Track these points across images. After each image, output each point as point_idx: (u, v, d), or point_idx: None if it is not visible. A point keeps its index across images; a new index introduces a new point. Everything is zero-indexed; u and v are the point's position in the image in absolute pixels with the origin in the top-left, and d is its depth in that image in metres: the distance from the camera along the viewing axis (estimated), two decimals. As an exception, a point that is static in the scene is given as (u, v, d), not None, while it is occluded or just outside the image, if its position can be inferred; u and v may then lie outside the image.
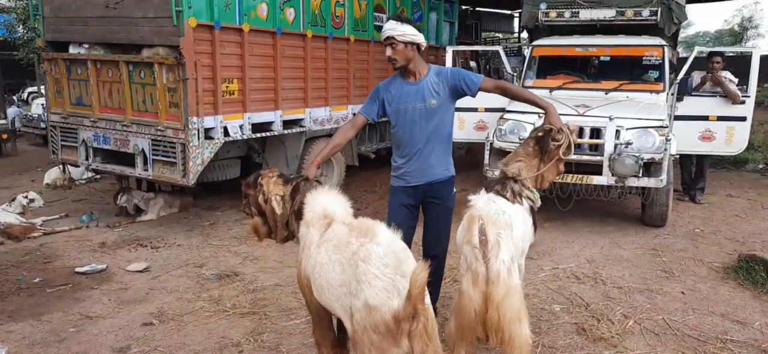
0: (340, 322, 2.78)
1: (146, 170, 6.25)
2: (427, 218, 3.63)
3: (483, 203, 2.83)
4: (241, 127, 6.39)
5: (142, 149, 6.21)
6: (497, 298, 2.60)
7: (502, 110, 6.90)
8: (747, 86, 6.55)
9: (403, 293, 2.19)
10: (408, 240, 3.48)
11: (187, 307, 4.39)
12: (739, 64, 8.15)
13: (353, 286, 2.30)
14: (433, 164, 3.42)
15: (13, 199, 6.51)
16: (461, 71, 3.42)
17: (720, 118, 6.66)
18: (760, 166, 9.31)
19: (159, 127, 5.99)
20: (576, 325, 3.87)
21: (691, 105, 6.69)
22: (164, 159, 6.07)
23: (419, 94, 3.33)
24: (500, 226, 2.68)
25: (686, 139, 6.55)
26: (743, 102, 6.50)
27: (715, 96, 6.66)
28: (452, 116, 3.47)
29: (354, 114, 7.98)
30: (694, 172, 7.26)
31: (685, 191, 7.38)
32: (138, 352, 3.72)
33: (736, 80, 6.75)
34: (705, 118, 6.70)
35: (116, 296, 4.62)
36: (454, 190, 3.58)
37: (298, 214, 2.90)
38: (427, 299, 2.27)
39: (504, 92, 3.57)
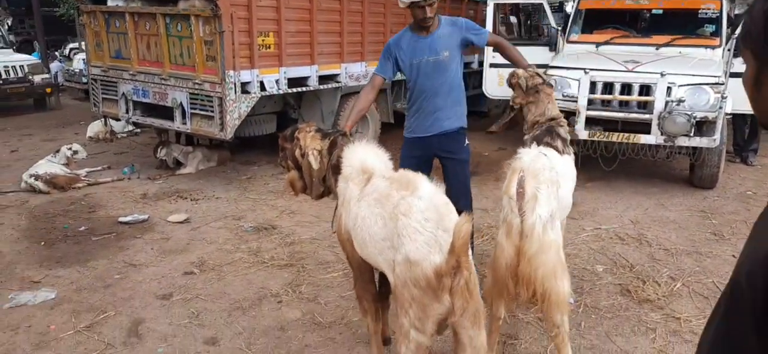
0: (381, 275, 2.77)
1: (185, 124, 6.30)
2: (444, 174, 3.62)
3: (531, 157, 2.71)
4: (277, 81, 6.35)
5: (181, 103, 6.25)
6: (529, 252, 2.50)
7: (545, 66, 6.65)
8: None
9: (444, 248, 2.13)
10: None
11: (226, 257, 4.45)
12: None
13: (395, 240, 2.27)
14: (440, 116, 3.48)
15: (58, 151, 6.68)
16: (471, 23, 3.54)
17: (779, 75, 6.25)
18: (819, 128, 8.78)
19: (196, 81, 6.00)
20: (620, 286, 3.76)
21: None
22: (202, 113, 6.10)
23: (432, 47, 3.40)
24: (542, 181, 2.57)
25: (742, 98, 6.17)
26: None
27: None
28: (461, 67, 3.54)
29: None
30: (747, 133, 6.90)
31: (737, 153, 7.04)
32: (180, 299, 3.80)
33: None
34: (763, 74, 6.29)
35: (158, 246, 4.71)
36: (467, 141, 3.61)
37: (336, 169, 2.84)
38: (470, 254, 2.21)
39: (500, 48, 3.66)
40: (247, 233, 4.96)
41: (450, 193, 3.57)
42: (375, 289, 2.81)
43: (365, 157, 2.71)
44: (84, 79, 12.40)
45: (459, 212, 2.94)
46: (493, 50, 3.75)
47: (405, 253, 2.19)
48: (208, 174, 6.88)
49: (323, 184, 2.98)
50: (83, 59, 12.37)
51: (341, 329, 3.41)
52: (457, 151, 3.55)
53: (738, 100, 6.10)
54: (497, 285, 2.67)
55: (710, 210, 5.26)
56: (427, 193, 2.33)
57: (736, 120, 6.97)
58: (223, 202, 5.83)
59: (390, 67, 3.50)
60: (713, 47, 6.32)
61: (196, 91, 6.06)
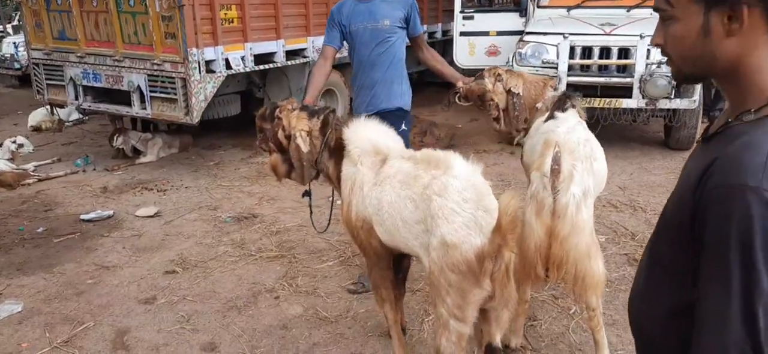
0: (396, 261, 2.65)
1: (144, 108, 5.82)
2: None
3: (566, 129, 2.53)
4: (242, 58, 5.95)
5: (138, 85, 5.76)
6: (562, 233, 2.34)
7: (520, 33, 6.53)
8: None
9: (486, 230, 1.98)
10: None
11: (209, 252, 4.13)
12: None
13: (428, 223, 2.12)
14: (377, 93, 3.28)
15: (0, 145, 6.06)
16: (417, 7, 3.33)
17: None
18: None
19: (155, 61, 5.53)
20: (626, 256, 3.71)
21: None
22: (163, 96, 5.64)
23: (371, 12, 3.21)
24: (578, 157, 2.41)
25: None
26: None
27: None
28: (404, 43, 3.34)
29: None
30: (714, 93, 7.04)
31: (705, 112, 7.17)
32: (165, 302, 3.48)
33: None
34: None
35: (130, 244, 4.33)
36: (403, 126, 3.27)
37: (334, 152, 2.63)
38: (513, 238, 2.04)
39: (424, 54, 3.40)
40: (226, 224, 4.63)
41: None
42: (393, 275, 2.64)
43: (376, 137, 2.52)
44: (17, 65, 11.41)
45: None
46: (417, 55, 3.46)
47: (440, 236, 2.05)
48: (170, 161, 6.42)
49: (314, 167, 2.72)
50: (14, 43, 11.37)
51: (349, 323, 3.20)
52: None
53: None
54: (525, 267, 2.51)
55: (692, 171, 5.32)
56: (463, 171, 2.16)
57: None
58: (194, 191, 5.44)
59: (337, 34, 3.30)
60: (682, 8, 6.35)
61: (155, 73, 5.58)
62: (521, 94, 3.04)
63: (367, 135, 2.52)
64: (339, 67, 7.43)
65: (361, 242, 2.54)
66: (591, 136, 2.67)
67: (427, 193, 2.14)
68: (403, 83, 3.36)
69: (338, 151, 2.61)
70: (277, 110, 2.74)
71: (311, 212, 3.04)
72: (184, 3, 5.11)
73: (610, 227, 4.17)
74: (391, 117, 3.18)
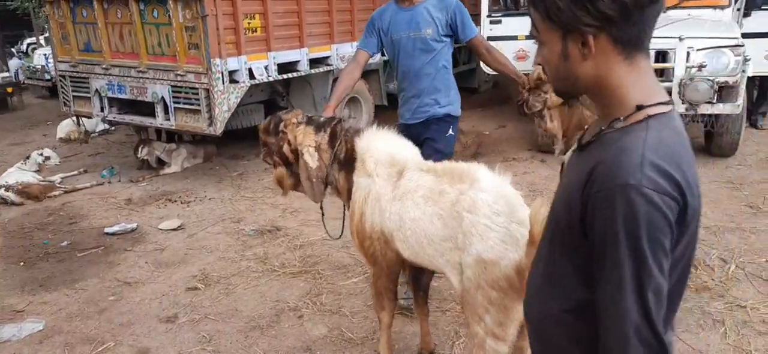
0: (415, 278, 2.70)
1: (168, 120, 5.78)
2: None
3: None
4: (266, 68, 5.87)
5: (162, 97, 5.72)
6: None
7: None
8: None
9: (521, 242, 1.91)
10: None
11: (232, 267, 4.03)
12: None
13: (460, 240, 2.03)
14: (425, 102, 3.16)
15: (28, 157, 6.09)
16: (464, 10, 3.09)
17: (790, 34, 6.05)
18: (814, 85, 8.68)
19: (179, 72, 5.48)
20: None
21: (758, 20, 6.06)
22: (187, 107, 5.60)
23: (413, 21, 3.07)
24: None
25: (755, 59, 5.96)
26: (818, 14, 5.88)
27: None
28: (449, 51, 3.18)
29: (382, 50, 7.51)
30: (756, 96, 6.71)
31: (746, 116, 6.84)
32: (187, 320, 3.39)
33: (811, -10, 6.09)
34: (773, 34, 6.09)
35: (153, 258, 4.26)
36: (451, 131, 3.20)
37: (344, 163, 2.53)
38: None
39: (485, 53, 3.13)
40: (249, 237, 4.54)
41: None
42: (396, 286, 2.61)
43: (392, 148, 2.45)
44: (47, 76, 11.62)
45: None
46: (479, 59, 3.28)
47: (476, 254, 1.98)
48: (194, 172, 6.38)
49: (325, 182, 2.61)
50: (45, 54, 11.57)
51: (375, 345, 3.04)
52: (437, 139, 3.16)
53: (752, 62, 5.88)
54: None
55: (737, 180, 5.03)
56: (490, 184, 2.09)
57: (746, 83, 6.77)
58: (218, 203, 5.37)
59: (374, 41, 3.18)
60: (722, 7, 6.06)
61: (179, 84, 5.54)
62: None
63: (383, 146, 2.44)
64: (365, 74, 7.34)
65: (373, 253, 2.45)
66: None
67: (456, 210, 2.06)
68: (451, 91, 3.21)
69: (349, 162, 2.52)
70: (282, 124, 2.63)
71: (322, 214, 2.90)
72: (208, 13, 5.05)
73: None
74: (440, 123, 3.18)
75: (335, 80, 6.78)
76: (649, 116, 1.01)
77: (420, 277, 2.73)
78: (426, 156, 3.15)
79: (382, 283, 2.55)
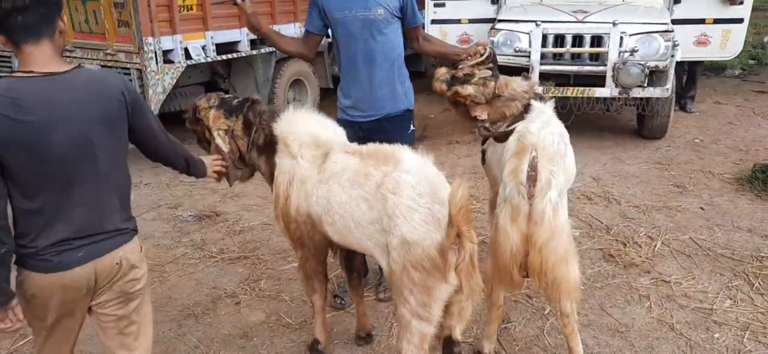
0: (347, 261, 2.69)
1: (98, 101, 5.47)
2: None
3: (538, 127, 2.37)
4: (203, 47, 5.65)
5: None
6: (540, 240, 2.20)
7: (492, 20, 6.38)
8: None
9: (443, 223, 1.94)
10: None
11: (166, 255, 3.89)
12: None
13: (385, 222, 2.05)
14: (380, 96, 2.86)
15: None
16: None
17: (716, 21, 6.34)
18: (737, 71, 9.20)
19: (108, 51, 5.21)
20: (602, 251, 3.60)
21: (686, 8, 6.32)
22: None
23: None
24: (555, 160, 2.25)
25: (681, 45, 6.23)
26: (742, 2, 6.18)
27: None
28: (401, 36, 2.90)
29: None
30: (685, 80, 7.02)
31: (676, 100, 7.16)
32: (116, 312, 3.23)
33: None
34: (701, 20, 6.37)
35: (81, 247, 4.04)
36: (412, 126, 3.00)
37: (264, 148, 2.51)
38: (471, 225, 1.97)
39: (426, 45, 2.98)
40: (187, 223, 4.38)
41: None
42: (326, 268, 2.64)
43: (315, 129, 2.42)
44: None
45: None
46: (414, 47, 3.02)
47: (401, 235, 2.00)
48: (130, 157, 6.07)
49: (243, 165, 2.61)
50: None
51: (313, 329, 3.00)
52: (400, 140, 2.74)
53: (681, 48, 6.14)
54: (500, 273, 2.36)
55: (665, 161, 5.26)
56: (413, 165, 2.11)
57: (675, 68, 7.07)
58: (154, 188, 5.16)
59: (315, 19, 2.86)
60: (654, -6, 6.28)
61: (108, 63, 5.26)
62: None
63: (306, 127, 2.42)
64: (307, 56, 7.20)
65: (300, 236, 2.44)
66: (563, 131, 2.52)
67: (381, 193, 2.07)
68: (406, 81, 2.95)
69: (269, 146, 2.49)
70: (198, 110, 2.59)
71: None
72: (138, -12, 4.80)
73: (584, 220, 4.06)
74: (399, 120, 2.94)
75: (278, 62, 6.65)
76: None
77: (352, 259, 2.71)
78: None
79: (311, 265, 2.53)
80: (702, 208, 4.17)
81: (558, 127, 2.48)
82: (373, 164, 2.16)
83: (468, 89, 2.73)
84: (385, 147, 2.25)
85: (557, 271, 2.25)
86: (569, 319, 2.38)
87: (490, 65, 2.78)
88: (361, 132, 2.88)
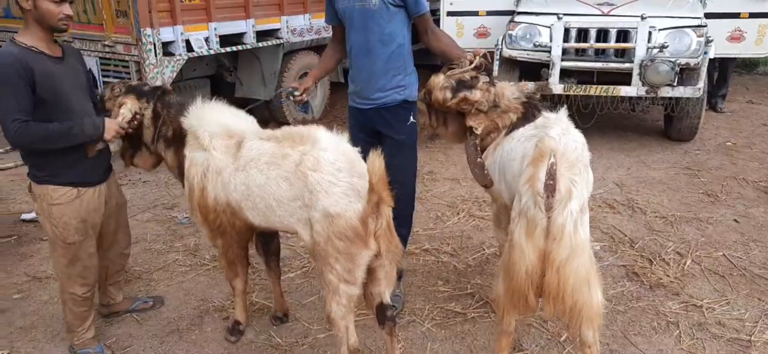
0: (265, 243, 2.83)
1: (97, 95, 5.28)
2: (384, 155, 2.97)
3: (559, 132, 2.08)
4: (206, 39, 5.41)
5: (90, 69, 5.20)
6: (559, 258, 1.95)
7: (511, 13, 6.03)
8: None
9: (363, 193, 2.13)
10: None
11: (157, 260, 3.67)
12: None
13: (307, 198, 2.17)
14: (375, 85, 2.77)
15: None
16: None
17: (752, 15, 5.91)
18: (771, 68, 8.72)
19: (107, 42, 5.00)
20: (625, 269, 3.28)
21: (720, 1, 5.91)
22: (116, 80, 5.10)
23: None
24: (577, 169, 1.97)
25: (716, 41, 5.82)
26: (781, -6, 5.74)
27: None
28: (405, 26, 2.75)
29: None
30: (716, 78, 6.60)
31: (706, 99, 6.74)
32: (97, 323, 3.01)
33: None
34: (735, 15, 5.94)
35: (70, 250, 3.84)
36: (412, 118, 2.83)
37: (173, 141, 2.58)
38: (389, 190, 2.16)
39: (430, 38, 2.78)
40: (181, 226, 4.16)
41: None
42: (247, 252, 2.74)
43: (227, 119, 2.49)
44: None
45: (399, 208, 2.70)
46: (421, 40, 2.85)
47: (323, 208, 2.13)
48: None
49: (151, 154, 2.77)
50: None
51: (304, 350, 2.76)
52: (397, 130, 2.80)
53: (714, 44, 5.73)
54: (513, 296, 2.09)
55: (695, 166, 4.89)
56: (330, 142, 2.23)
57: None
58: (151, 186, 4.96)
59: (332, 11, 2.85)
60: (685, -14, 5.87)
61: (107, 55, 5.06)
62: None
63: (216, 118, 2.47)
64: (318, 48, 6.94)
65: (220, 225, 2.50)
66: (582, 139, 2.23)
67: (301, 170, 2.17)
68: (407, 72, 2.80)
69: (177, 139, 2.56)
70: (105, 102, 2.69)
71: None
72: (136, -23, 4.57)
73: (606, 232, 3.73)
74: (396, 110, 2.79)
75: (286, 55, 6.40)
76: None
77: (269, 242, 2.82)
78: (389, 154, 2.87)
79: (233, 251, 2.63)
80: (736, 221, 3.81)
81: (579, 136, 2.19)
82: (289, 145, 2.26)
83: (476, 94, 2.49)
84: (300, 128, 2.33)
85: (577, 294, 1.99)
86: (591, 349, 2.10)
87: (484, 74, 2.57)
88: (362, 118, 2.90)
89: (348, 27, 2.77)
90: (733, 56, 6.24)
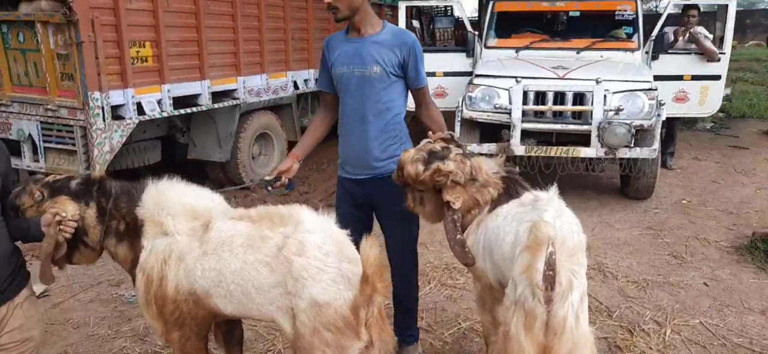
0: (227, 332, 2.58)
1: (37, 161, 4.91)
2: (381, 229, 2.84)
3: (553, 216, 1.99)
4: (159, 102, 5.18)
5: (30, 135, 4.85)
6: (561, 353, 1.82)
7: (468, 74, 6.11)
8: (722, 43, 6.16)
9: (353, 281, 1.97)
10: None
11: (101, 349, 3.30)
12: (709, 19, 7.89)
13: (290, 285, 1.98)
14: (373, 155, 2.65)
15: None
16: (420, 53, 2.62)
17: (694, 78, 6.25)
18: (708, 125, 9.20)
19: (49, 106, 4.68)
20: (607, 342, 3.19)
21: (665, 64, 6.22)
22: (60, 146, 4.77)
23: (360, 55, 2.57)
24: (577, 258, 1.87)
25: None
26: (719, 60, 6.10)
27: (690, 54, 6.21)
28: (403, 95, 2.67)
29: (294, 82, 7.01)
30: (664, 135, 6.85)
31: (657, 157, 6.99)
32: None
33: (711, 36, 6.34)
34: (679, 77, 6.27)
35: (-1, 341, 3.41)
36: None
37: (125, 234, 2.24)
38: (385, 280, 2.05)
39: (423, 111, 2.73)
40: (129, 305, 3.79)
41: (388, 254, 2.84)
42: (207, 344, 2.44)
43: (188, 199, 2.26)
44: None
45: (398, 288, 2.80)
46: (415, 107, 2.78)
47: (310, 297, 1.96)
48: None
49: (93, 251, 2.31)
50: None
51: None
52: (393, 201, 2.64)
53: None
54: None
55: (657, 225, 4.97)
56: (316, 224, 2.07)
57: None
58: (98, 260, 4.54)
59: (326, 77, 2.71)
60: (632, 50, 6.15)
61: (49, 120, 4.72)
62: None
63: (177, 198, 2.25)
64: (276, 108, 6.80)
65: (179, 317, 2.21)
66: (577, 220, 2.14)
67: (284, 255, 2.00)
68: (404, 143, 2.69)
69: (131, 231, 2.25)
70: (21, 200, 2.19)
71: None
72: (84, 40, 4.32)
73: (581, 300, 3.65)
74: (393, 182, 2.60)
75: (242, 115, 6.20)
76: None
77: (231, 331, 2.59)
78: (388, 227, 2.79)
79: (192, 344, 2.32)
80: (705, 284, 3.84)
81: (573, 218, 2.10)
82: (268, 226, 2.09)
83: (449, 165, 2.36)
84: (279, 208, 2.17)
85: None
86: None
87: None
88: (355, 190, 2.74)
89: (343, 93, 2.65)
90: (679, 116, 6.52)
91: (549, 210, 2.03)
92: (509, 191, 2.39)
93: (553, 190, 2.20)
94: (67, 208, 2.13)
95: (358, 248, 2.31)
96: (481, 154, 3.54)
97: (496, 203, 2.39)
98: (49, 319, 3.64)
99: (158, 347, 3.30)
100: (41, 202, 2.15)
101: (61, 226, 2.08)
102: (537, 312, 1.81)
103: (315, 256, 1.97)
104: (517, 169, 2.64)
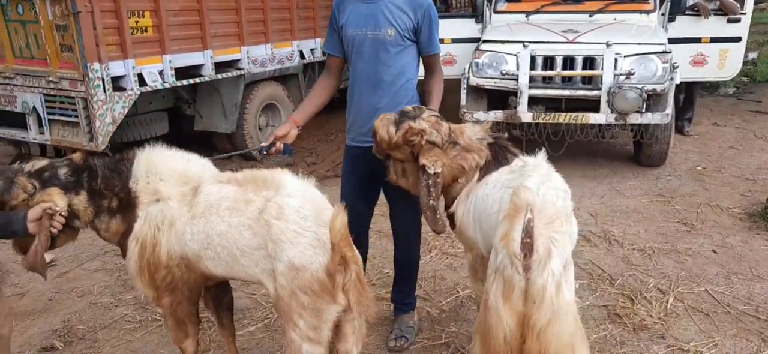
0: (216, 297, 2.58)
1: (42, 133, 4.95)
2: (386, 197, 2.79)
3: (537, 182, 1.90)
4: (160, 73, 5.16)
5: (34, 107, 4.88)
6: (539, 323, 1.76)
7: (476, 40, 5.95)
8: (743, 3, 5.87)
9: (329, 246, 1.95)
10: (362, 225, 2.77)
11: (103, 317, 3.34)
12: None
13: (270, 248, 2.00)
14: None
15: None
16: (435, 17, 2.56)
17: (713, 40, 5.99)
18: (731, 90, 8.88)
19: (51, 78, 4.69)
20: (607, 309, 3.11)
21: (682, 26, 5.97)
22: (64, 118, 4.80)
23: (374, 17, 2.51)
24: (557, 225, 1.79)
25: (680, 65, 5.85)
26: (739, 19, 5.83)
27: (709, 15, 5.92)
28: (416, 60, 2.62)
29: (300, 52, 6.92)
30: (682, 101, 6.63)
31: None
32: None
33: (732, -9, 6.04)
34: (697, 40, 6.01)
35: (7, 306, 3.47)
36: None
37: (119, 209, 2.24)
38: (354, 248, 2.01)
39: (429, 78, 2.66)
40: (132, 275, 3.83)
41: (392, 225, 2.81)
42: (198, 309, 2.47)
43: (179, 164, 2.28)
44: None
45: (400, 255, 2.83)
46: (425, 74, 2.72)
47: (287, 260, 1.97)
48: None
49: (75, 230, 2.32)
50: None
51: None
52: None
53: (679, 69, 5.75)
54: (489, 361, 1.87)
55: (668, 193, 4.82)
56: (296, 188, 2.08)
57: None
58: (101, 231, 4.60)
59: (335, 40, 2.64)
60: (648, 11, 5.90)
61: (52, 92, 4.74)
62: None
63: (168, 164, 2.26)
64: (282, 78, 6.74)
65: (170, 282, 2.24)
66: (565, 187, 2.05)
67: (264, 218, 2.01)
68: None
69: (124, 205, 2.24)
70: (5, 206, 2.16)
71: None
72: (80, 9, 4.29)
73: (583, 268, 3.57)
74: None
75: (247, 86, 6.16)
76: None
77: (221, 296, 2.58)
78: (393, 197, 2.73)
79: (184, 309, 2.35)
80: (714, 251, 3.72)
81: (560, 183, 2.01)
82: (252, 190, 2.09)
83: (421, 123, 2.28)
84: (264, 172, 2.15)
85: None
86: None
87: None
88: (362, 156, 2.66)
89: (355, 56, 2.58)
90: (697, 80, 6.28)
91: (533, 176, 1.94)
92: (498, 158, 2.31)
93: (541, 155, 2.11)
94: (59, 201, 2.12)
95: (363, 216, 2.30)
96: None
97: (485, 171, 2.31)
98: (55, 288, 3.70)
99: (158, 315, 3.32)
100: (34, 194, 2.13)
101: (53, 220, 2.10)
102: (515, 280, 1.74)
103: (293, 219, 1.97)
104: (507, 135, 2.53)
